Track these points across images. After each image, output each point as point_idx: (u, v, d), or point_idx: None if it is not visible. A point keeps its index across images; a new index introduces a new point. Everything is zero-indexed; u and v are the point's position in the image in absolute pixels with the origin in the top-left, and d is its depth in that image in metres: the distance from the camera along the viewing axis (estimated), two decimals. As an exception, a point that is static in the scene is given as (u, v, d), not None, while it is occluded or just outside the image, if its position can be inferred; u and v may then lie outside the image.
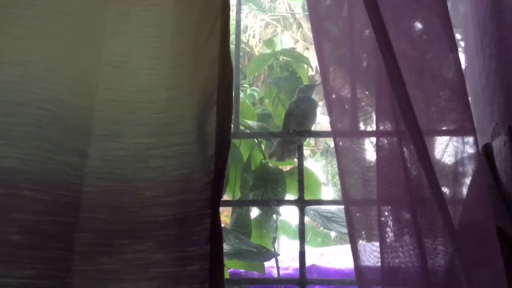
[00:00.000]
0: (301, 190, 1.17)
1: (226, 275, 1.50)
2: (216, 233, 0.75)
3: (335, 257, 3.22)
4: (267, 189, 1.49)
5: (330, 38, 1.04)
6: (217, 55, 0.82)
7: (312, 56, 4.84)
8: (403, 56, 0.83)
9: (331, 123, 0.97)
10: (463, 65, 0.88)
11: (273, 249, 1.62)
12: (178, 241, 0.78)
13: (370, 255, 0.90)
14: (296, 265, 3.14)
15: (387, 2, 0.83)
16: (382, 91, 0.93)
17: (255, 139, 1.60)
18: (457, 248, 0.81)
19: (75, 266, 0.76)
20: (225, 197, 1.68)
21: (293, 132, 1.27)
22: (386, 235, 0.88)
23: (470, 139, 0.83)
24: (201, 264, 0.75)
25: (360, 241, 0.93)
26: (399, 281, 0.87)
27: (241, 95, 4.13)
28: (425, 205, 0.85)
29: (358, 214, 0.95)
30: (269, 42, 1.79)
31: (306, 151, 5.44)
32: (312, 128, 1.49)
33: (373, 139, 0.94)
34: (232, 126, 1.26)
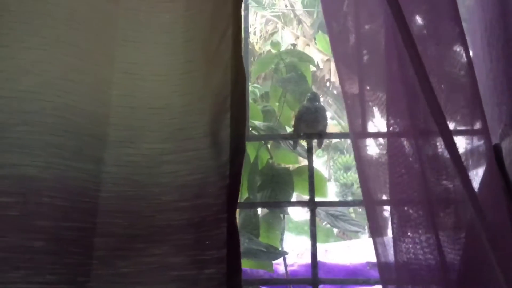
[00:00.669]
0: (311, 191, 1.19)
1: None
2: (233, 237, 0.76)
3: (339, 253, 3.23)
4: (274, 189, 1.51)
5: (332, 33, 1.05)
6: (229, 61, 0.84)
7: (312, 52, 4.84)
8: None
9: (348, 118, 0.99)
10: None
11: (281, 247, 1.64)
12: (195, 245, 0.80)
13: (390, 252, 0.92)
14: (302, 261, 3.15)
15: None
16: (384, 87, 0.94)
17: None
18: (471, 245, 0.83)
19: (94, 270, 0.78)
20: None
21: (303, 134, 1.28)
22: (406, 232, 0.90)
23: (481, 138, 0.85)
24: (218, 268, 0.76)
25: (380, 237, 0.94)
26: (417, 278, 0.89)
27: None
28: (441, 203, 0.87)
29: (377, 212, 0.96)
30: (274, 43, 1.80)
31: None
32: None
33: (385, 137, 0.96)
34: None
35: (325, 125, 1.29)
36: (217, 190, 0.80)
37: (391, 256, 0.90)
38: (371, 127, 1.01)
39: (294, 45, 5.02)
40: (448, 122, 0.87)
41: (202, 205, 0.81)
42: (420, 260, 0.87)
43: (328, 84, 5.32)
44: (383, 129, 0.97)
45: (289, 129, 1.70)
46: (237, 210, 1.61)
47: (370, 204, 0.94)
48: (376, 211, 0.93)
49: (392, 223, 0.90)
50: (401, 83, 0.91)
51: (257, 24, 5.12)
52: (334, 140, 6.70)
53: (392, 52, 0.92)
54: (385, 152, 0.93)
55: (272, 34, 5.16)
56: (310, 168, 1.23)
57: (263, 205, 1.50)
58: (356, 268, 2.90)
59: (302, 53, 1.76)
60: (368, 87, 1.02)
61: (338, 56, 1.05)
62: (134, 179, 0.84)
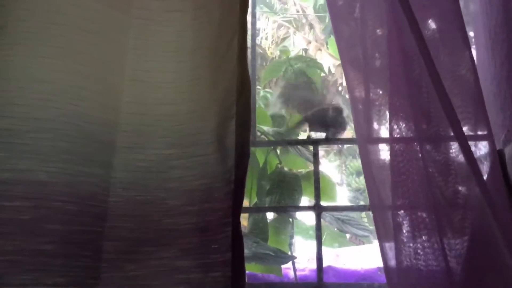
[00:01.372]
0: (317, 196, 1.20)
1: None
2: (237, 241, 0.78)
3: (351, 258, 3.22)
4: (283, 193, 1.52)
5: (343, 38, 1.06)
6: (235, 68, 0.85)
7: (324, 57, 4.85)
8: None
9: (354, 122, 1.00)
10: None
11: (290, 252, 1.65)
12: (201, 248, 0.81)
13: (396, 257, 0.93)
14: (312, 266, 3.15)
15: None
16: (395, 91, 0.95)
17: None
18: (473, 250, 0.83)
19: (103, 273, 0.80)
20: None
21: (309, 140, 1.29)
22: (412, 236, 0.90)
23: (486, 144, 0.86)
24: (223, 271, 0.78)
25: (387, 242, 0.95)
26: (421, 282, 0.90)
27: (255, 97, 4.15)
28: (445, 207, 0.88)
29: (384, 216, 0.97)
30: (282, 50, 1.81)
31: (320, 152, 5.44)
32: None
33: (392, 141, 0.97)
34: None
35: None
36: (222, 195, 0.82)
37: (396, 261, 0.90)
38: (382, 132, 1.01)
39: (305, 50, 5.02)
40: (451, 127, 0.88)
41: (208, 209, 0.83)
42: (424, 265, 0.87)
43: (340, 88, 5.32)
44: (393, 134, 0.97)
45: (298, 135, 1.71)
46: (246, 215, 1.62)
47: (376, 209, 0.95)
48: (381, 216, 0.94)
49: (397, 228, 0.90)
50: (406, 86, 0.92)
51: (268, 29, 5.14)
52: (346, 146, 6.69)
53: (398, 56, 0.93)
54: (390, 157, 0.94)
55: (284, 39, 5.18)
56: (316, 173, 1.24)
57: (268, 209, 1.52)
58: (367, 273, 2.88)
59: (311, 59, 1.78)
60: (380, 92, 1.02)
61: (348, 61, 1.06)
62: (142, 184, 0.86)
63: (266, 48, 5.22)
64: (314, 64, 1.68)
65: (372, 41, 1.02)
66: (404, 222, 0.92)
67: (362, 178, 7.24)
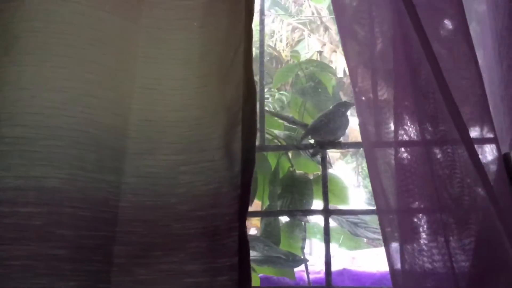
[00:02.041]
0: (325, 200, 1.21)
1: (257, 281, 1.54)
2: (243, 245, 0.79)
3: (367, 260, 3.21)
4: (294, 197, 1.53)
5: (357, 39, 1.06)
6: (242, 75, 0.87)
7: (339, 58, 4.84)
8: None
9: (360, 125, 1.00)
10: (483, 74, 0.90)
11: (302, 255, 1.65)
12: (209, 253, 0.83)
13: (404, 259, 0.93)
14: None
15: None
16: (402, 95, 0.95)
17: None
18: (479, 253, 0.83)
19: (114, 277, 0.82)
20: (255, 205, 1.72)
21: (317, 144, 1.30)
22: (418, 239, 0.91)
23: (491, 147, 0.86)
24: (230, 275, 0.79)
25: (394, 245, 0.95)
26: (427, 285, 0.90)
27: (269, 99, 4.17)
28: (451, 210, 0.88)
29: (391, 218, 0.97)
30: (294, 54, 1.82)
31: (336, 154, 5.43)
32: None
33: (398, 145, 0.97)
34: (258, 139, 1.30)
35: (343, 133, 1.29)
36: (229, 200, 0.83)
37: (401, 264, 0.91)
38: (388, 136, 1.01)
39: (320, 52, 5.03)
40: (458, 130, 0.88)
41: (216, 214, 0.84)
42: (429, 268, 0.88)
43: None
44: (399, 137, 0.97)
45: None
46: (259, 219, 1.63)
47: (381, 212, 0.95)
48: (387, 219, 0.94)
49: (402, 231, 0.91)
50: (412, 90, 0.93)
51: (283, 32, 5.15)
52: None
53: (404, 60, 0.93)
54: (396, 160, 0.94)
55: (299, 41, 5.19)
56: (324, 176, 1.25)
57: (277, 213, 1.53)
58: (382, 276, 2.87)
59: (322, 62, 1.79)
60: (386, 95, 1.03)
61: (361, 62, 1.06)
62: (152, 189, 0.88)
63: (281, 51, 5.23)
64: (326, 67, 1.69)
65: (380, 45, 1.03)
66: (410, 225, 0.92)
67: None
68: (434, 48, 0.85)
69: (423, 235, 0.91)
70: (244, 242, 0.79)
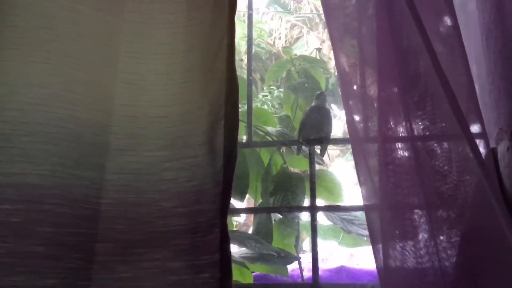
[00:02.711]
0: (312, 196, 1.19)
1: (250, 279, 1.53)
2: (224, 242, 0.78)
3: (365, 258, 3.19)
4: (287, 194, 1.51)
5: (358, 36, 1.05)
6: (225, 70, 0.86)
7: (338, 55, 4.80)
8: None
9: (347, 119, 0.99)
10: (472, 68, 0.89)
11: (295, 252, 1.64)
12: (192, 250, 0.82)
13: (391, 256, 0.92)
14: (326, 266, 3.12)
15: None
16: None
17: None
18: (465, 251, 0.82)
19: (94, 275, 0.81)
20: (247, 202, 1.71)
21: (303, 140, 1.29)
22: (406, 235, 0.90)
23: (480, 142, 0.85)
24: (212, 272, 0.78)
25: (380, 241, 0.94)
26: (415, 282, 0.89)
27: (268, 97, 4.14)
28: (438, 206, 0.87)
29: (380, 217, 0.96)
30: (286, 49, 1.81)
31: (335, 151, 5.41)
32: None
33: (385, 140, 0.96)
34: (246, 135, 1.29)
35: (330, 131, 1.28)
36: (212, 196, 0.82)
37: (388, 261, 0.90)
38: (375, 131, 1.00)
39: (319, 49, 5.01)
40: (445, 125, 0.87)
41: (199, 210, 0.83)
42: (417, 264, 0.87)
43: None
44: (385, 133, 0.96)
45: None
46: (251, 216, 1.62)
47: (368, 209, 0.94)
48: (374, 216, 0.93)
49: (389, 228, 0.90)
50: (401, 83, 0.91)
51: (282, 29, 5.13)
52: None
53: (390, 51, 0.92)
54: (383, 156, 0.93)
55: (298, 39, 5.17)
56: (312, 173, 1.24)
57: (262, 210, 1.51)
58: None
59: (314, 58, 1.77)
60: (387, 89, 1.01)
61: (343, 57, 1.05)
62: (135, 186, 0.87)
63: (280, 48, 5.21)
64: (319, 63, 1.67)
65: (368, 35, 1.01)
66: (397, 222, 0.91)
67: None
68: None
69: (411, 232, 0.90)
70: (225, 238, 0.78)
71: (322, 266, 2.98)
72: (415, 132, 0.90)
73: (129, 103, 0.90)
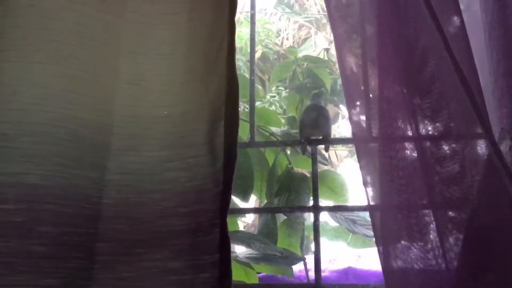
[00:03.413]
0: (315, 197, 1.19)
1: (255, 279, 1.53)
2: (224, 242, 0.78)
3: (372, 259, 3.18)
4: (291, 194, 1.51)
5: (365, 37, 1.04)
6: (225, 70, 0.86)
7: (346, 56, 4.79)
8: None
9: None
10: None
11: (301, 253, 1.64)
12: (192, 249, 0.82)
13: (396, 257, 0.92)
14: (333, 267, 3.10)
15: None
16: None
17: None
18: (467, 250, 0.82)
19: (95, 274, 0.81)
20: (252, 202, 1.71)
21: (304, 140, 1.28)
22: (410, 236, 0.89)
23: (484, 142, 0.84)
24: (212, 272, 0.78)
25: (385, 242, 0.94)
26: (419, 282, 0.88)
27: (276, 97, 4.13)
28: (443, 207, 0.86)
29: (385, 217, 0.96)
30: (291, 49, 1.81)
31: (344, 152, 5.39)
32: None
33: (388, 140, 0.95)
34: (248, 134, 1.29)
35: (329, 128, 1.27)
36: (212, 196, 0.82)
37: (393, 262, 0.89)
38: (378, 131, 1.00)
39: (327, 49, 4.99)
40: (451, 125, 0.86)
41: (199, 210, 0.83)
42: (422, 265, 0.86)
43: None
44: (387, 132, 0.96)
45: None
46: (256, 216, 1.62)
47: (372, 209, 0.94)
48: (378, 216, 0.93)
49: (393, 228, 0.89)
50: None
51: (289, 30, 5.13)
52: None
53: (390, 49, 0.92)
54: (386, 156, 0.93)
55: (305, 39, 5.16)
56: (314, 174, 1.24)
57: (264, 210, 1.51)
58: (387, 274, 2.83)
59: (319, 59, 1.76)
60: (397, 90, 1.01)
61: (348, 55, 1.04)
62: (136, 186, 0.87)
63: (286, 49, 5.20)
64: (323, 63, 1.67)
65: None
66: (401, 222, 0.91)
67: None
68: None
69: (417, 232, 0.89)
70: (225, 238, 0.78)
71: (330, 267, 2.97)
72: (422, 132, 0.90)
73: (130, 103, 0.91)
